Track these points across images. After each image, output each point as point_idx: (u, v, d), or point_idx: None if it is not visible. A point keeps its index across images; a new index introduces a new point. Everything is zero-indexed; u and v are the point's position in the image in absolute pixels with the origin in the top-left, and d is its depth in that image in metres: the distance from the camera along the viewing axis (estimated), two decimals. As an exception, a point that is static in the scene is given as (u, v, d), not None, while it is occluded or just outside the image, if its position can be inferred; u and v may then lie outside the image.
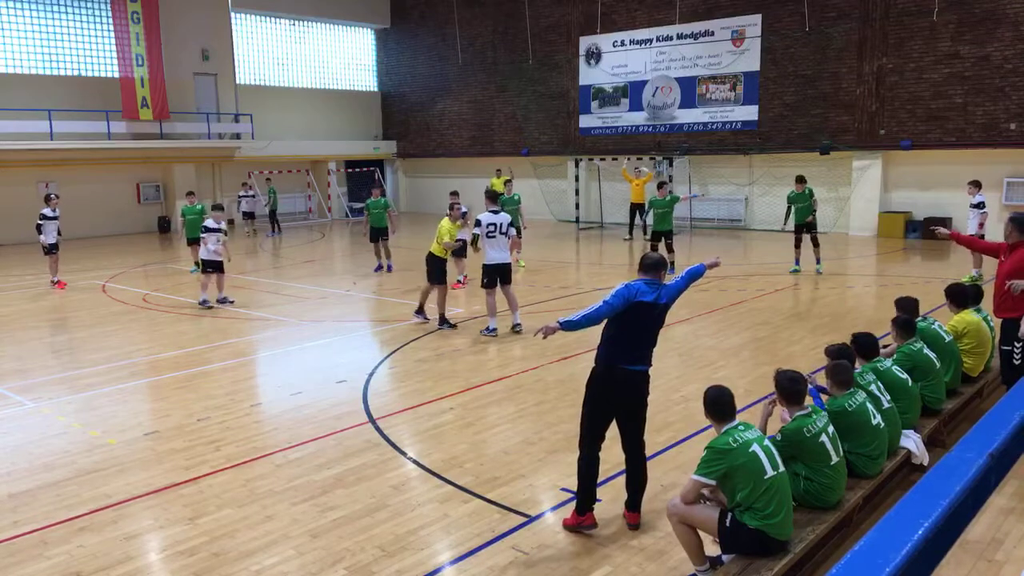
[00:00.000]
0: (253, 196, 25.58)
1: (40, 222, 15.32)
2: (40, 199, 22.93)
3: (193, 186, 26.50)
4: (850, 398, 5.33)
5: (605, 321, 5.08)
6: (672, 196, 15.97)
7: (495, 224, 10.43)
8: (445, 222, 11.15)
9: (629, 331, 5.06)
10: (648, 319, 5.09)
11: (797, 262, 15.68)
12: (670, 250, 15.30)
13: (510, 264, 10.83)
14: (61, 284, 15.57)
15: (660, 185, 16.23)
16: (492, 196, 10.89)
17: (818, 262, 15.52)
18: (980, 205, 14.41)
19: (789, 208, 15.77)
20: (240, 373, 9.49)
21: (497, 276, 10.64)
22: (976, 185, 14.69)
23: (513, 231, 10.76)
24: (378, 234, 16.54)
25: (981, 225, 14.36)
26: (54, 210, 15.46)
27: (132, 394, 8.68)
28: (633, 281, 5.12)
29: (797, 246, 15.63)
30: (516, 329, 10.84)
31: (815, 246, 15.41)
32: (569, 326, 4.94)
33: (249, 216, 25.09)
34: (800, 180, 15.76)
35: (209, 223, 13.50)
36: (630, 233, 21.94)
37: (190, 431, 7.35)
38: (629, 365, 5.09)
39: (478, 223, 10.52)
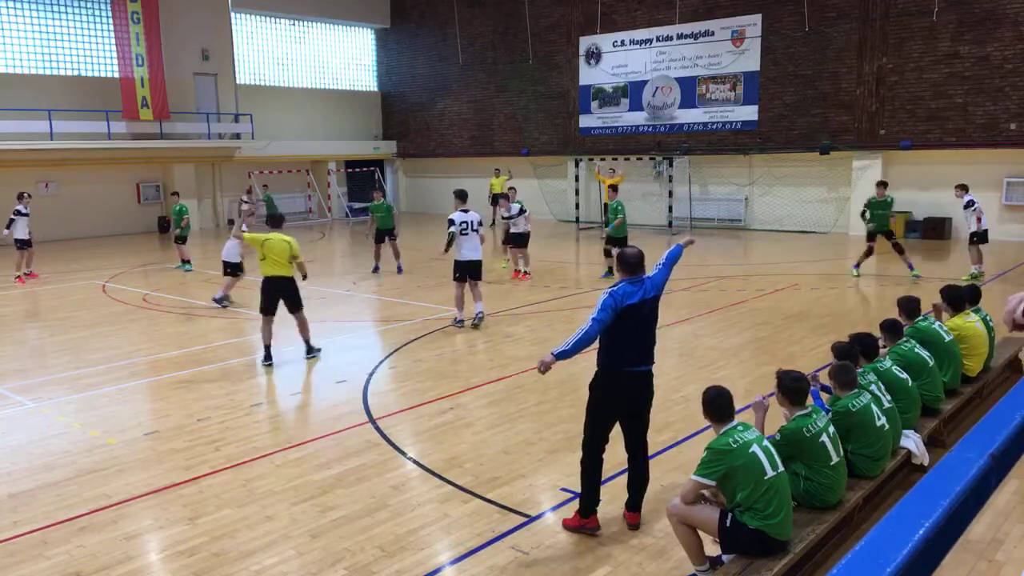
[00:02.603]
0: (251, 204, 24.85)
1: (13, 217, 16.08)
2: (40, 199, 23.32)
3: (193, 186, 26.62)
4: (855, 399, 5.32)
5: None
6: (619, 204, 14.90)
7: (467, 222, 10.90)
8: (285, 235, 9.51)
9: (626, 335, 5.01)
10: (641, 318, 5.04)
11: (858, 265, 15.05)
12: (608, 255, 14.75)
13: (480, 261, 11.18)
14: (21, 279, 16.21)
15: (613, 188, 15.70)
16: (462, 196, 11.28)
17: (911, 267, 14.67)
18: (970, 204, 14.53)
19: (864, 212, 14.84)
20: (240, 373, 9.49)
21: (467, 271, 11.05)
22: (963, 188, 14.80)
23: (483, 229, 11.18)
24: (384, 235, 16.64)
25: (979, 220, 14.49)
26: (26, 207, 16.31)
27: (132, 394, 8.68)
28: (616, 287, 5.03)
29: (869, 254, 14.85)
30: (477, 319, 11.22)
31: (901, 252, 14.67)
32: (564, 356, 4.94)
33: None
34: (883, 185, 15.04)
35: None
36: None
37: (190, 431, 7.35)
38: (633, 367, 5.07)
39: (451, 223, 10.89)
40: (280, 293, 9.63)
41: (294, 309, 9.76)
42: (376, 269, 16.72)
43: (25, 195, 16.61)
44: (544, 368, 4.98)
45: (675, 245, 5.70)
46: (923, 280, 14.20)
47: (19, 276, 16.26)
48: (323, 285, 15.42)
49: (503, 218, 14.96)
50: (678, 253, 5.62)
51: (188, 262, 17.61)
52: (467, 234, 10.90)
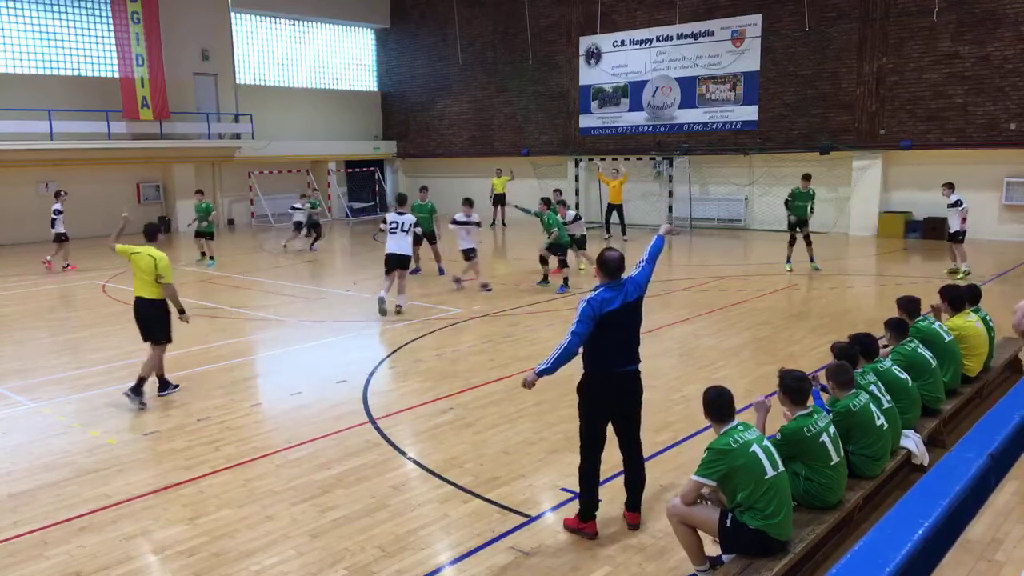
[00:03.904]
0: (300, 209, 21.74)
1: (55, 216, 17.85)
2: (40, 199, 23.45)
3: (193, 186, 26.60)
4: (854, 399, 5.32)
5: None
6: (550, 215, 14.69)
7: (397, 223, 12.38)
8: (154, 251, 8.33)
9: (609, 340, 4.99)
10: (622, 323, 5.00)
11: (789, 259, 15.92)
12: (564, 265, 14.67)
13: (408, 256, 12.54)
14: (72, 266, 17.98)
15: (558, 203, 15.49)
16: (401, 200, 13.07)
17: (812, 259, 15.76)
18: (957, 203, 14.73)
19: (788, 202, 15.76)
20: (240, 373, 9.49)
21: (393, 263, 12.37)
22: (950, 187, 15.11)
23: (418, 230, 13.31)
24: (421, 239, 15.69)
25: (964, 220, 14.75)
26: (62, 204, 18.13)
27: (132, 394, 8.67)
28: (593, 294, 4.99)
29: (792, 244, 15.77)
30: (398, 310, 12.33)
31: (808, 244, 15.59)
32: (546, 373, 5.00)
33: (299, 227, 21.21)
34: (806, 178, 15.85)
35: (459, 216, 14.43)
36: (608, 231, 22.20)
37: (190, 431, 7.35)
38: (621, 367, 5.07)
39: (384, 221, 12.62)
40: (143, 317, 8.31)
41: (156, 339, 8.27)
42: (416, 271, 15.89)
43: (61, 193, 18.29)
44: (528, 386, 5.09)
45: (656, 237, 5.58)
46: (922, 280, 14.20)
47: (67, 264, 17.93)
48: (323, 285, 15.43)
49: (564, 223, 14.98)
50: (660, 245, 5.50)
51: (212, 258, 18.39)
52: (395, 233, 12.32)
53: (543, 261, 14.69)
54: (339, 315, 12.81)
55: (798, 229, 15.57)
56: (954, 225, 14.90)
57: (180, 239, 24.96)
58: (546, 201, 15.02)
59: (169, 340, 8.42)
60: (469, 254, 14.30)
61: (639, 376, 5.19)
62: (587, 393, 5.13)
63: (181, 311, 8.40)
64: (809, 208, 15.58)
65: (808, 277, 15.14)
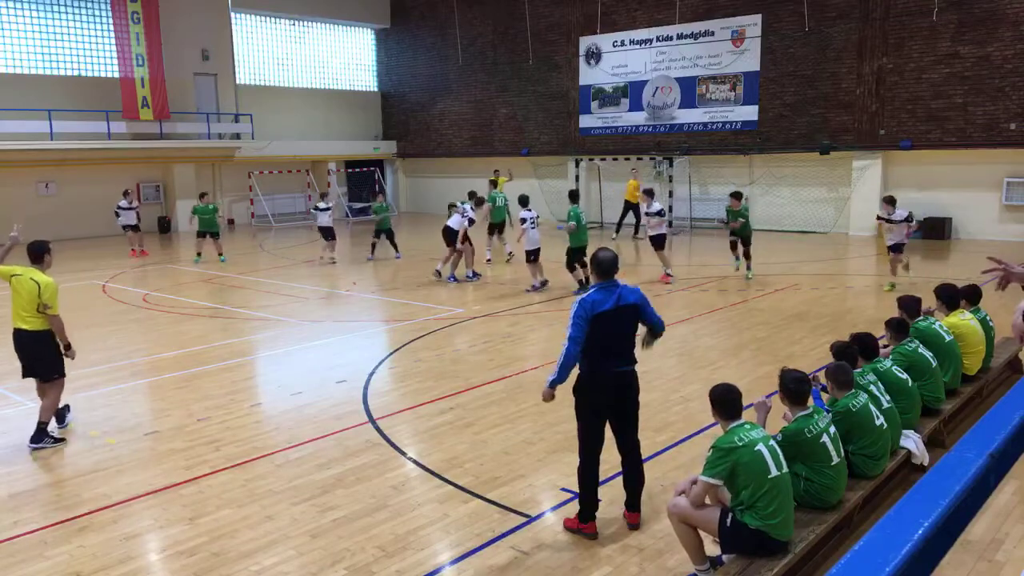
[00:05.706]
0: (328, 209, 18.55)
1: (131, 210, 20.15)
2: (39, 199, 23.49)
3: (193, 186, 26.66)
4: (853, 399, 5.32)
5: None
6: (573, 209, 14.23)
7: (529, 218, 14.33)
8: (39, 275, 7.10)
9: (603, 340, 5.00)
10: (616, 323, 5.00)
11: (738, 259, 15.78)
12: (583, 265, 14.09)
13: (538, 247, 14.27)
14: (134, 253, 20.06)
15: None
16: (524, 201, 14.93)
17: (738, 258, 15.59)
18: (908, 218, 13.80)
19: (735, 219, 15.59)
20: (240, 373, 9.49)
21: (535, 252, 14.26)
22: (890, 203, 13.69)
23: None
24: (383, 233, 18.65)
25: (907, 235, 13.74)
26: (131, 202, 20.31)
27: (132, 394, 8.68)
28: (586, 295, 5.01)
29: (733, 248, 15.41)
30: (543, 284, 14.14)
31: (735, 248, 15.55)
32: (559, 382, 5.06)
33: (328, 233, 18.35)
34: (736, 196, 15.51)
35: (525, 214, 14.57)
36: (617, 231, 22.40)
37: (190, 431, 7.35)
38: (616, 367, 5.07)
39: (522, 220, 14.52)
40: (24, 353, 7.05)
41: (42, 376, 7.10)
42: (371, 258, 18.76)
43: (130, 191, 20.92)
44: (547, 398, 5.19)
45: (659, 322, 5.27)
46: (922, 280, 14.15)
47: (133, 250, 20.13)
48: (323, 285, 15.43)
49: (646, 214, 15.05)
50: (660, 331, 5.27)
51: (215, 254, 19.23)
52: (534, 227, 14.16)
53: (572, 268, 13.92)
54: (339, 315, 12.81)
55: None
56: (897, 238, 13.47)
57: (181, 239, 24.96)
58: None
59: (62, 375, 7.15)
60: (530, 256, 14.10)
61: (635, 376, 5.20)
62: (583, 393, 5.13)
63: (67, 346, 7.17)
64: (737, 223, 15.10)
65: (826, 278, 15.13)
